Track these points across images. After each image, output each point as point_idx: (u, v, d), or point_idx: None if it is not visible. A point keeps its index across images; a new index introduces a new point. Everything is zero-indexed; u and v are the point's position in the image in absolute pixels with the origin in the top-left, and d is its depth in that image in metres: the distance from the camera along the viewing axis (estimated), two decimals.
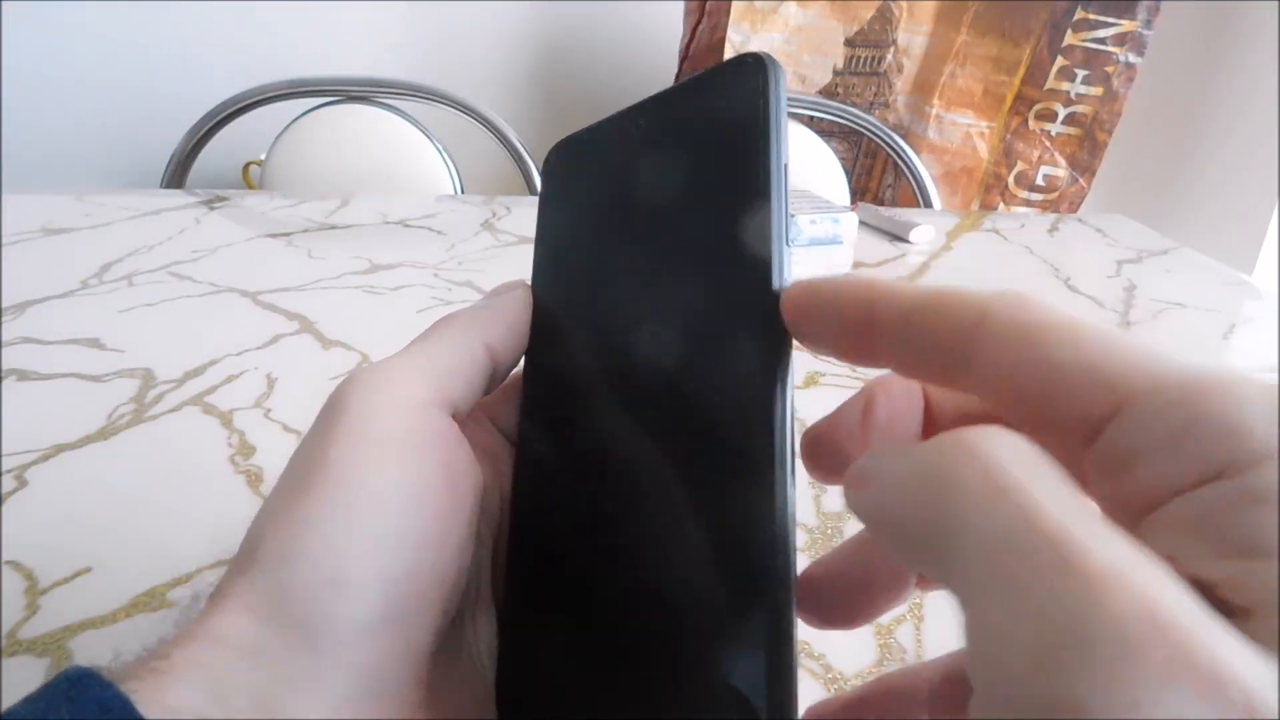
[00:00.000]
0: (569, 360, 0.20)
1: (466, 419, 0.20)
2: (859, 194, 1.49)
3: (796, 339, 0.17)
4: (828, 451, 0.17)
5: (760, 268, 0.17)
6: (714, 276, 0.18)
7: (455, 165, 1.14)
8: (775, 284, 0.17)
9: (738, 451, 0.16)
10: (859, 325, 0.15)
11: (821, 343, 0.16)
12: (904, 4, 1.38)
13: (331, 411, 0.18)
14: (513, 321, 0.21)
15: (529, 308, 0.21)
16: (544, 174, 0.23)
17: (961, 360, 0.14)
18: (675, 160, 0.19)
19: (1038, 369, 0.13)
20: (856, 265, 0.77)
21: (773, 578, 0.15)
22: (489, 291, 0.22)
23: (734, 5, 1.37)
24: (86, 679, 0.14)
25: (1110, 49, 1.32)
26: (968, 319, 0.14)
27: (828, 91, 1.44)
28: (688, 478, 0.17)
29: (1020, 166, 1.42)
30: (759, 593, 0.15)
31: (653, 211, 0.19)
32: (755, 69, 0.18)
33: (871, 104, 1.46)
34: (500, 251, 0.75)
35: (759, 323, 0.17)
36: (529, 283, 0.22)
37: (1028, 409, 0.13)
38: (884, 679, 0.18)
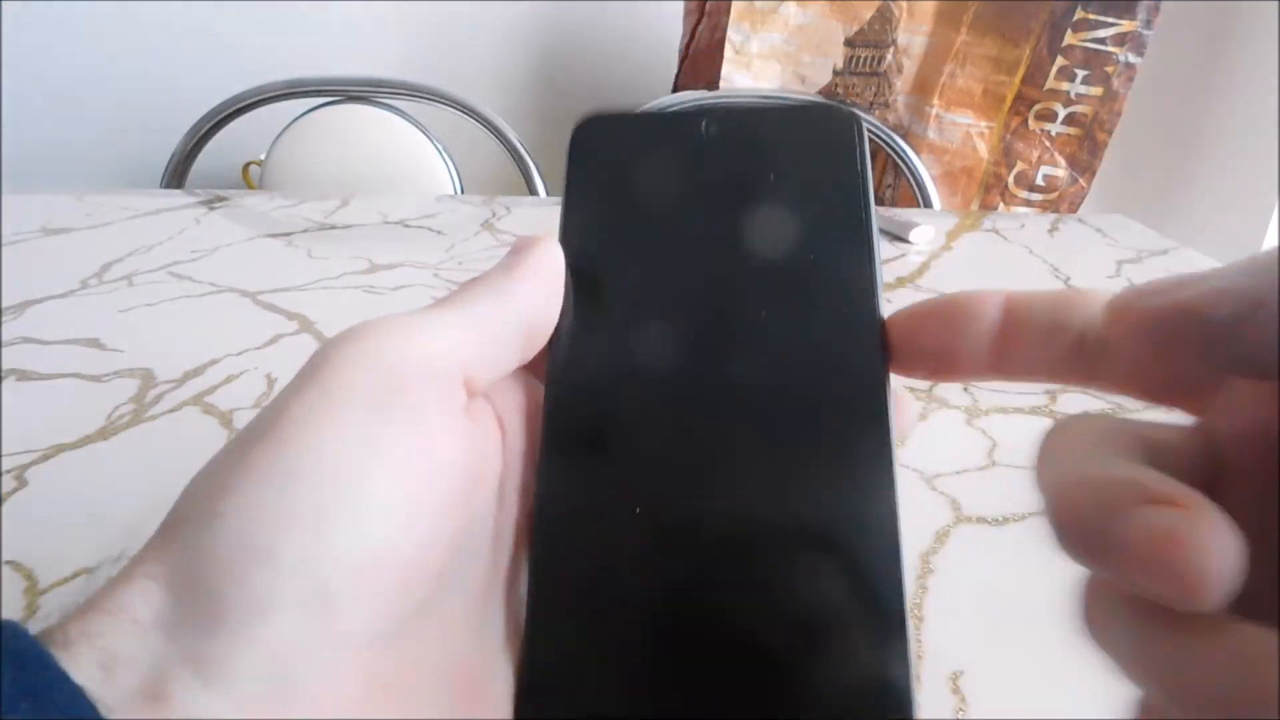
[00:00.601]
0: (624, 342, 0.19)
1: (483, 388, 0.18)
2: None
3: (911, 357, 0.18)
4: None
5: (865, 296, 0.19)
6: (812, 296, 0.19)
7: (455, 165, 1.14)
8: (878, 313, 0.19)
9: (849, 467, 0.17)
10: (985, 334, 0.17)
11: (926, 358, 0.18)
12: (904, 4, 1.38)
13: (308, 366, 0.16)
14: (550, 285, 0.19)
15: (563, 271, 0.20)
16: (577, 144, 0.22)
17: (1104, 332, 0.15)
18: (760, 178, 0.20)
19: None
20: None
21: (895, 600, 0.16)
22: (514, 248, 0.20)
23: (734, 5, 1.36)
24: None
25: (1110, 49, 1.32)
26: (1101, 301, 0.15)
27: (828, 91, 1.44)
28: (782, 482, 0.17)
29: (1020, 166, 1.42)
30: (881, 611, 0.16)
31: (730, 216, 0.20)
32: (850, 121, 0.21)
33: (871, 104, 1.46)
34: (500, 251, 0.74)
35: (865, 344, 0.18)
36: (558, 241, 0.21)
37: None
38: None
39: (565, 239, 0.21)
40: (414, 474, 0.16)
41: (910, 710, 0.15)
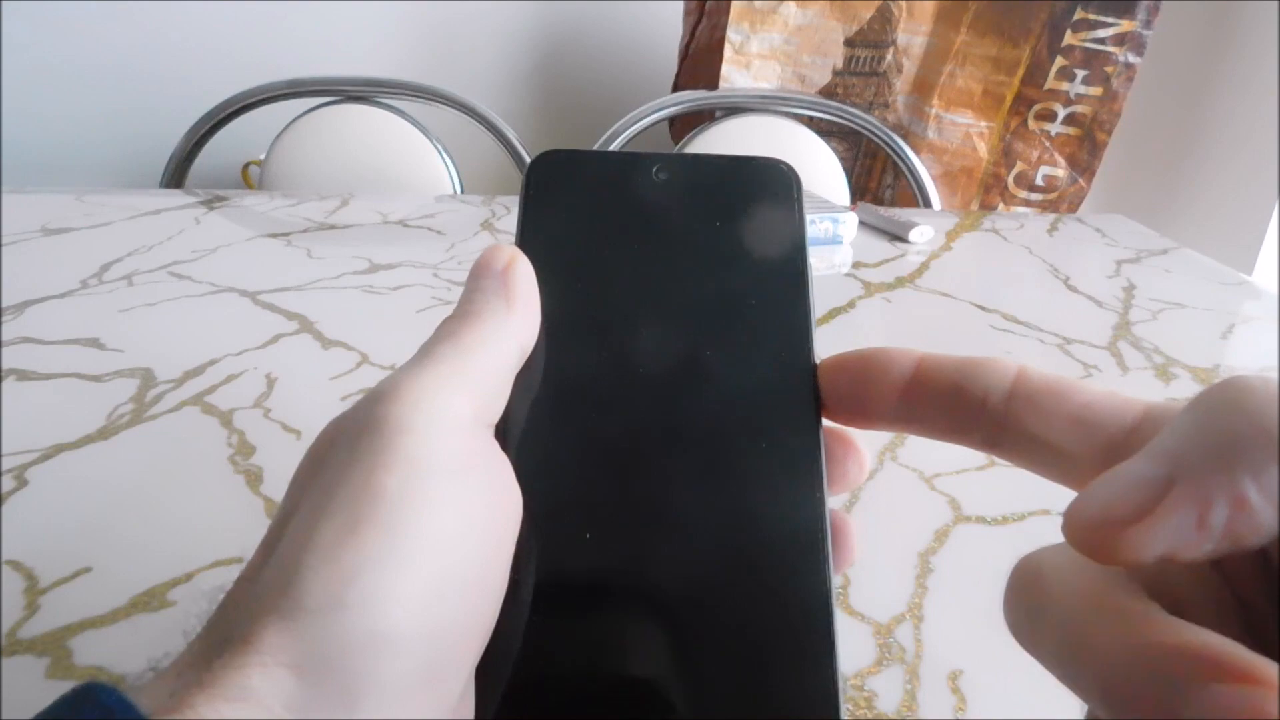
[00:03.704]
0: (577, 372, 0.20)
1: None
2: (859, 194, 1.49)
3: (828, 403, 0.19)
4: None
5: (799, 343, 0.20)
6: (752, 339, 0.20)
7: (455, 165, 1.14)
8: (812, 359, 0.20)
9: (783, 492, 0.18)
10: (894, 387, 0.18)
11: (841, 404, 0.19)
12: (904, 4, 1.38)
13: (373, 430, 0.16)
14: (535, 312, 0.20)
15: (535, 287, 0.20)
16: (533, 181, 0.23)
17: (1005, 404, 0.17)
18: (705, 222, 0.22)
19: (1081, 396, 0.16)
20: (856, 265, 0.77)
21: (822, 612, 0.17)
22: (484, 263, 0.20)
23: (734, 5, 1.37)
24: (93, 690, 0.13)
25: (1110, 49, 1.32)
26: (1009, 370, 0.17)
27: (828, 91, 1.44)
28: (717, 505, 0.18)
29: (1020, 167, 1.42)
30: (808, 623, 0.17)
31: (677, 259, 0.21)
32: (791, 176, 0.22)
33: (871, 104, 1.46)
34: None
35: (799, 389, 0.19)
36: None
37: (1070, 428, 0.16)
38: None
39: None
40: (494, 541, 0.17)
41: (837, 711, 0.16)
